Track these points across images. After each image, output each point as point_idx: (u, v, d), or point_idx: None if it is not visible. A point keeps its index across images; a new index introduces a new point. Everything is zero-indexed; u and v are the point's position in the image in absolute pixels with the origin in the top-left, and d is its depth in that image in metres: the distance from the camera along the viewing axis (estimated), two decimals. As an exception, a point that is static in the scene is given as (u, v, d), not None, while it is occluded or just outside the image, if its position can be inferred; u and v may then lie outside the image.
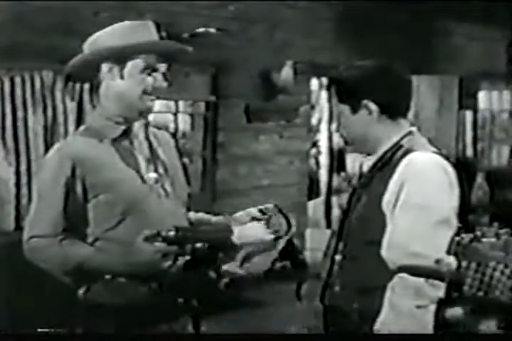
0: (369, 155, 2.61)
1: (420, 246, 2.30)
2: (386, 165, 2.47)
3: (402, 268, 2.30)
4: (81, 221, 2.76)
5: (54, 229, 2.71)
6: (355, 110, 2.50)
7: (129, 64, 2.75)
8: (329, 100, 8.16)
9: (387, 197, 2.38)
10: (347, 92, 2.51)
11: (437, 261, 2.30)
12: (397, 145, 2.49)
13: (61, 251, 2.72)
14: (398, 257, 2.32)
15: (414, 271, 2.28)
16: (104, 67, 2.76)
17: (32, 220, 2.78)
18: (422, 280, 2.28)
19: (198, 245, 2.73)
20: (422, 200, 2.33)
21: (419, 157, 2.41)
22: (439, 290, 2.28)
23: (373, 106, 2.48)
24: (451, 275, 2.32)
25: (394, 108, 2.52)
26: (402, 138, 2.51)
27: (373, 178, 2.49)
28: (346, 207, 2.59)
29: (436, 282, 2.29)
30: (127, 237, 2.72)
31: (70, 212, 2.72)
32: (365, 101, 2.48)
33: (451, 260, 2.32)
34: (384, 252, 2.35)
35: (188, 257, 2.71)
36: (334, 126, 8.26)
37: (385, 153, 2.50)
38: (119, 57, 2.74)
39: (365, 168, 2.58)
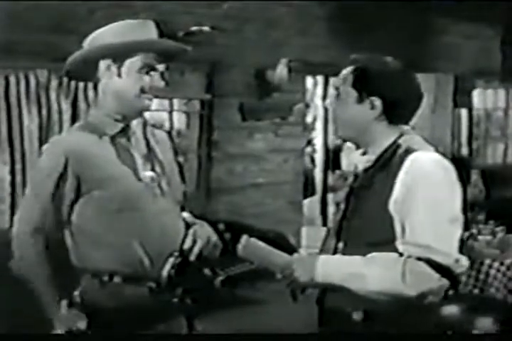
0: (358, 147, 2.61)
1: (439, 243, 2.31)
2: (386, 165, 2.45)
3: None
4: (69, 216, 2.76)
5: (41, 223, 2.72)
6: (361, 100, 2.49)
7: (127, 62, 2.75)
8: (325, 97, 8.17)
9: (395, 199, 2.37)
10: (364, 82, 2.49)
11: (457, 261, 2.32)
12: (395, 145, 2.48)
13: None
14: (413, 252, 2.32)
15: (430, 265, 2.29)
16: (102, 64, 2.76)
17: (21, 213, 2.79)
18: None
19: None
20: (434, 200, 2.34)
21: (423, 157, 2.41)
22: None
23: (378, 105, 2.48)
24: (461, 276, 2.35)
25: (397, 115, 2.51)
26: (398, 137, 2.50)
27: (374, 178, 2.47)
28: (344, 207, 2.56)
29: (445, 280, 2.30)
30: (121, 235, 2.73)
31: (57, 207, 2.72)
32: (373, 98, 2.47)
33: (466, 262, 2.35)
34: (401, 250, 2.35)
35: (180, 258, 2.72)
36: (330, 123, 8.26)
37: (383, 152, 2.49)
38: (117, 54, 2.74)
39: (361, 167, 2.56)
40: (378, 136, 2.52)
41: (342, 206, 2.58)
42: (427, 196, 2.34)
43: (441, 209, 2.34)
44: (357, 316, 2.41)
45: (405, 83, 2.53)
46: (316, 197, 8.73)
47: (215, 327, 3.12)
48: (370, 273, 2.32)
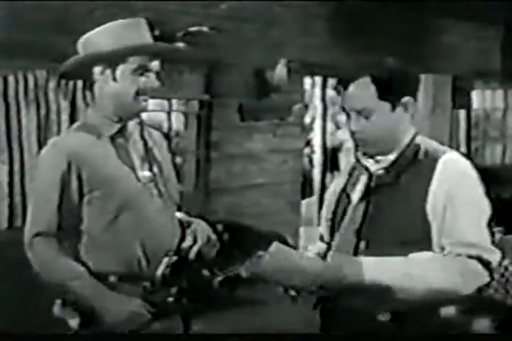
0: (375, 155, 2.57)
1: (484, 241, 2.38)
2: (410, 165, 2.46)
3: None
4: (76, 218, 2.75)
5: (50, 227, 2.71)
6: (394, 107, 2.45)
7: (121, 66, 2.74)
8: (323, 98, 8.18)
9: (435, 200, 2.39)
10: (390, 89, 2.44)
11: (501, 257, 2.39)
12: (413, 145, 2.49)
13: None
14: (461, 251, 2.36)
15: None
16: (97, 69, 2.76)
17: (30, 218, 2.77)
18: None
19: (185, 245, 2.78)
20: (476, 200, 2.43)
21: (456, 159, 2.46)
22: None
23: (413, 104, 2.47)
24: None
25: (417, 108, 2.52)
26: (413, 138, 2.51)
27: (399, 179, 2.46)
28: (364, 207, 2.51)
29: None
30: (121, 235, 2.73)
31: (65, 208, 2.72)
32: (406, 99, 2.45)
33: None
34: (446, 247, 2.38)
35: (175, 257, 2.72)
36: (329, 124, 8.27)
37: (402, 152, 2.49)
38: (111, 60, 2.74)
39: (374, 169, 2.52)
40: (401, 136, 2.51)
41: (361, 206, 2.53)
42: (469, 197, 2.42)
43: (481, 209, 2.43)
44: (388, 317, 2.40)
45: (410, 77, 2.53)
46: (314, 198, 8.73)
47: (212, 328, 3.12)
48: (426, 273, 2.33)
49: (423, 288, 2.32)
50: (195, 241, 2.80)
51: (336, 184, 2.78)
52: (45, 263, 2.71)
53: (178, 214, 2.96)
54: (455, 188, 2.40)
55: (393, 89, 2.45)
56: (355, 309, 2.40)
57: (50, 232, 2.70)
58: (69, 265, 2.71)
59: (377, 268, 2.33)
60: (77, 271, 2.70)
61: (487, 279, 2.36)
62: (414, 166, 2.46)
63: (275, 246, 2.41)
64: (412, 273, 2.32)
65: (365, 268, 2.32)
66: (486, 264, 2.35)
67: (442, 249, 2.39)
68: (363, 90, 2.44)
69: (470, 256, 2.34)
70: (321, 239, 2.82)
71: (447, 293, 2.32)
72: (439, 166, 2.42)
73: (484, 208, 2.45)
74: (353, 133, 2.52)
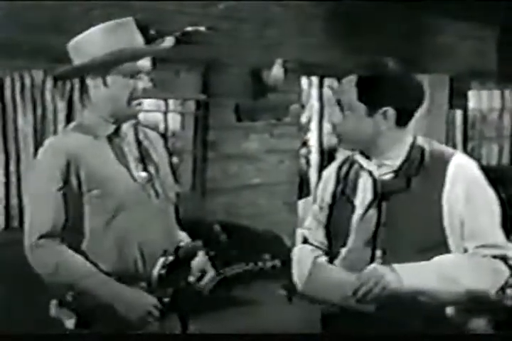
0: (362, 153, 2.55)
1: (503, 240, 2.43)
2: (419, 169, 2.45)
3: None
4: (77, 218, 2.74)
5: (54, 227, 2.69)
6: (371, 113, 2.43)
7: (111, 72, 2.74)
8: (320, 97, 8.17)
9: (450, 204, 2.39)
10: (371, 94, 2.42)
11: None
12: (417, 147, 2.48)
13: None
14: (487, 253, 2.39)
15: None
16: (88, 76, 2.77)
17: (32, 220, 2.74)
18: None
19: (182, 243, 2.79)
20: (491, 200, 2.47)
21: (466, 161, 2.49)
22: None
23: (392, 115, 2.43)
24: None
25: (406, 118, 2.47)
26: (414, 140, 2.50)
27: (409, 184, 2.44)
28: (377, 214, 2.47)
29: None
30: (118, 235, 2.72)
31: (68, 208, 2.71)
32: (386, 109, 2.42)
33: None
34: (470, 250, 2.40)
35: (171, 257, 2.72)
36: (325, 124, 8.26)
37: (408, 156, 2.47)
38: (100, 69, 2.73)
39: (379, 173, 2.49)
40: (392, 142, 2.48)
41: (371, 213, 2.49)
42: (485, 198, 2.45)
43: (494, 208, 2.45)
44: (421, 322, 2.39)
45: (409, 85, 2.49)
46: (311, 198, 8.71)
47: (210, 327, 3.12)
48: (459, 276, 2.34)
49: (457, 291, 2.32)
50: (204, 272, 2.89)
51: (325, 183, 2.76)
52: (52, 264, 2.69)
53: (185, 237, 2.99)
54: (471, 191, 2.41)
55: (376, 96, 2.42)
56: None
57: (54, 233, 2.69)
58: (80, 264, 2.70)
59: (411, 274, 2.32)
60: (88, 269, 2.69)
61: (508, 275, 2.39)
62: (424, 170, 2.44)
63: (315, 263, 2.42)
64: (446, 276, 2.33)
65: (401, 274, 2.32)
66: (507, 262, 2.38)
67: (465, 251, 2.40)
68: (347, 86, 2.44)
69: (494, 256, 2.37)
70: (305, 241, 2.80)
71: (479, 293, 2.34)
72: (451, 170, 2.42)
73: (496, 207, 2.46)
74: (334, 126, 2.54)
